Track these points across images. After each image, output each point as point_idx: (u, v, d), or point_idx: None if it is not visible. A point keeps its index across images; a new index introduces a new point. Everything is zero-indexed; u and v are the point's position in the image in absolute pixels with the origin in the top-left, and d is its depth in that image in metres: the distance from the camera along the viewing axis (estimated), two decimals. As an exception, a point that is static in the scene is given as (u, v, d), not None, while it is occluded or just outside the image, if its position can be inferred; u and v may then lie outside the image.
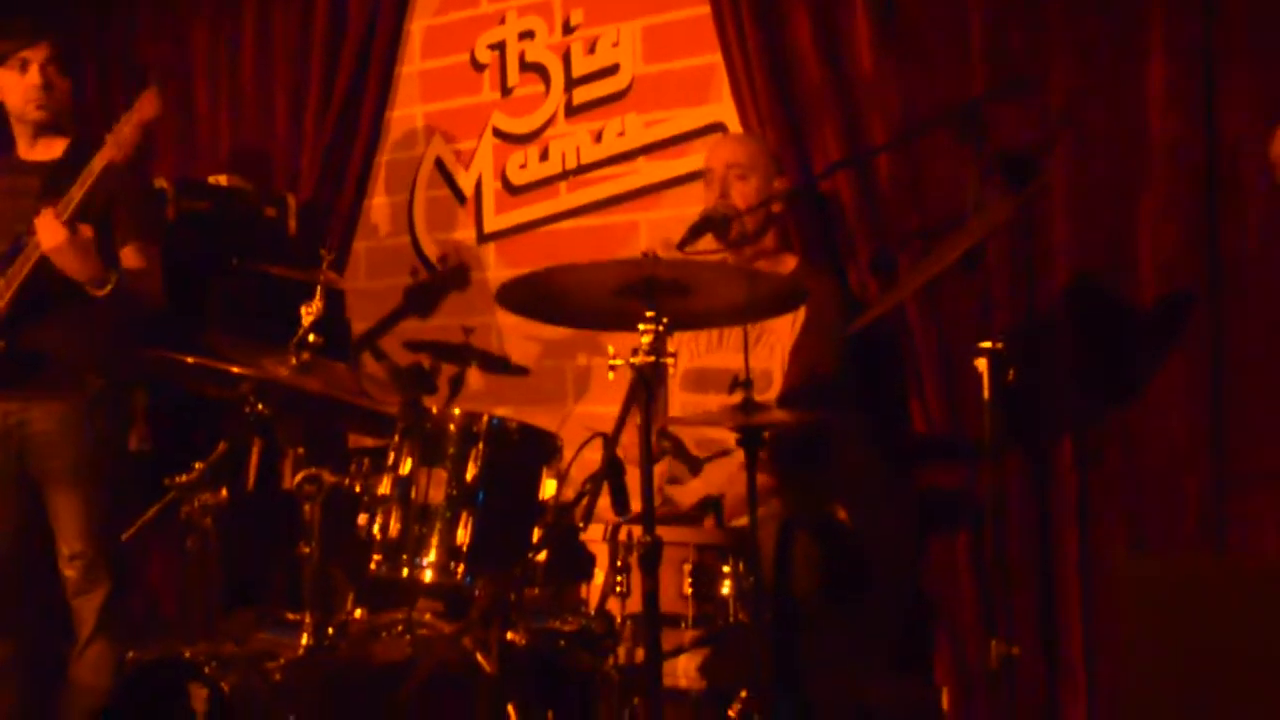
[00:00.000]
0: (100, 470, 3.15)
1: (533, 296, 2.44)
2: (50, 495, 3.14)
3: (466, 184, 4.05)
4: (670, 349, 2.21)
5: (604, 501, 2.24)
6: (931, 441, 3.11)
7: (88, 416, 3.14)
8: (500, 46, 3.97)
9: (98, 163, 2.96)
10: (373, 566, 2.48)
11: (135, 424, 3.41)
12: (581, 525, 2.21)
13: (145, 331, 3.17)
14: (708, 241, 2.92)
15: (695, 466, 3.01)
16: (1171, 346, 2.86)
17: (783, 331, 2.94)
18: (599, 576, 2.38)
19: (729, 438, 2.63)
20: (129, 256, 3.12)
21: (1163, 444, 2.86)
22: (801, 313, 2.90)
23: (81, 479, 3.12)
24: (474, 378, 3.84)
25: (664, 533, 2.16)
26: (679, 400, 3.07)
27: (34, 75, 3.14)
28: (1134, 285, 2.90)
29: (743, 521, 2.54)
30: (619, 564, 2.35)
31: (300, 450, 2.74)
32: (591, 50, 3.79)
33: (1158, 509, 2.87)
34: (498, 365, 3.50)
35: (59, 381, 3.12)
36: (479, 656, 2.38)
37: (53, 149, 3.23)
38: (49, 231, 2.94)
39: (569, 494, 2.40)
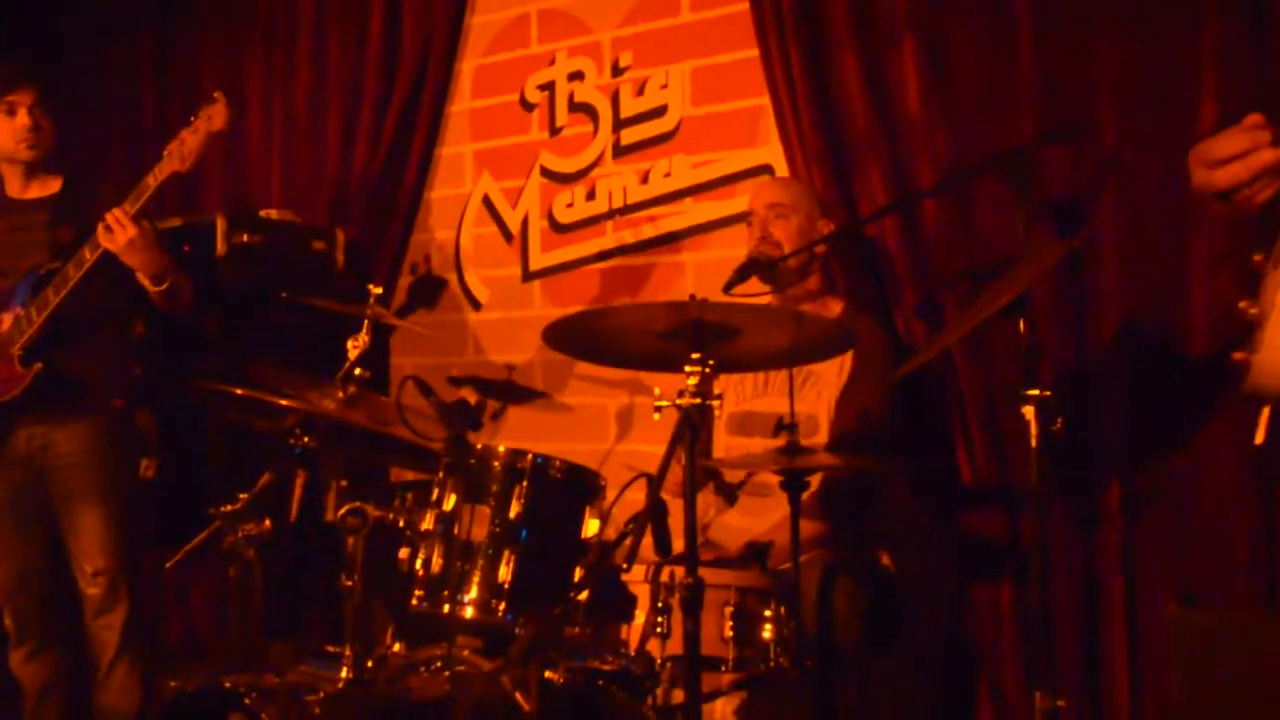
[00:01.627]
0: (122, 488, 3.23)
1: (578, 336, 2.45)
2: (73, 513, 3.20)
3: (513, 222, 4.08)
4: (715, 391, 2.21)
5: (646, 541, 2.24)
6: (976, 488, 3.08)
7: (111, 436, 3.21)
8: (550, 87, 4.01)
9: (154, 177, 3.04)
10: (414, 602, 2.48)
11: (147, 452, 3.46)
12: (624, 566, 2.20)
13: (186, 360, 3.24)
14: (752, 284, 2.92)
15: (731, 497, 3.01)
16: (1222, 395, 2.81)
17: (829, 376, 2.93)
18: (640, 617, 2.38)
19: (774, 481, 2.62)
20: None
21: (1212, 495, 2.82)
22: (848, 358, 2.89)
23: (105, 496, 3.19)
24: (517, 414, 3.86)
25: (706, 575, 2.15)
26: (724, 444, 3.07)
27: (23, 117, 3.26)
28: (1185, 333, 2.87)
29: (787, 566, 2.52)
30: (660, 605, 2.35)
31: (343, 483, 2.75)
32: (640, 92, 3.82)
33: (1207, 561, 2.82)
34: (541, 402, 3.51)
35: (84, 403, 3.20)
36: (517, 695, 2.37)
37: (48, 186, 3.35)
38: (118, 231, 3.03)
39: (611, 533, 2.40)
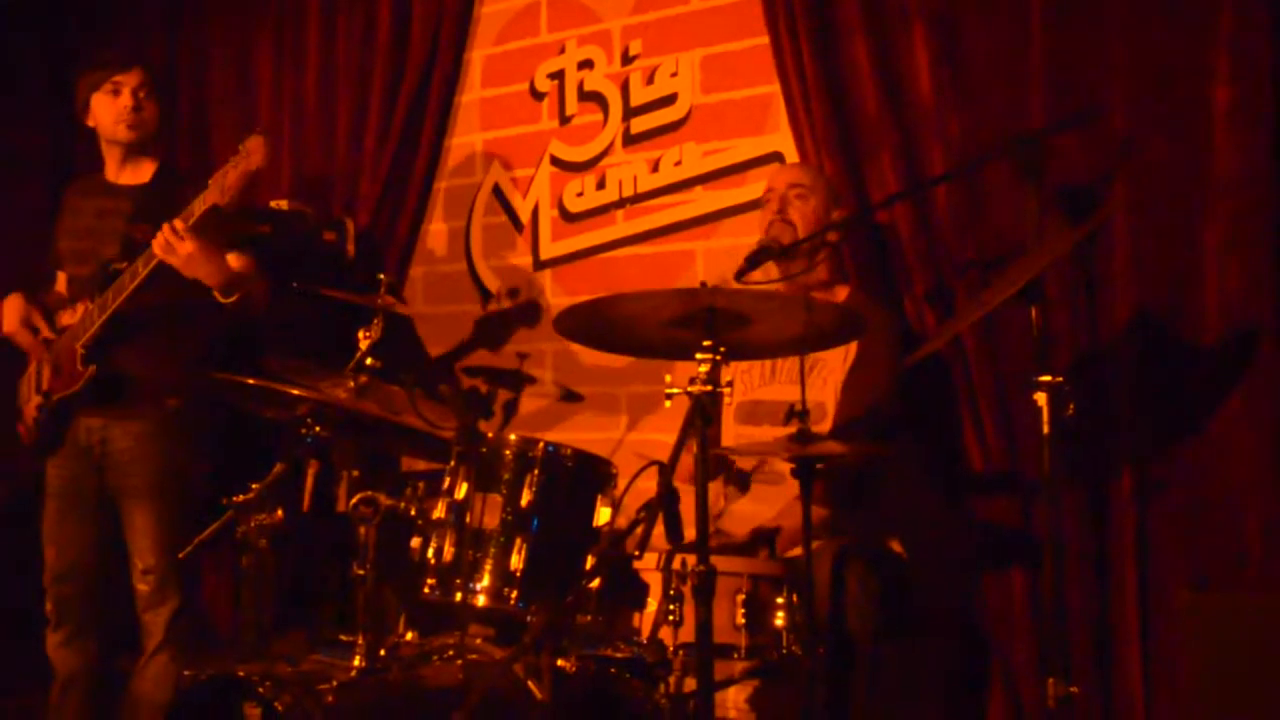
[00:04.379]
0: (175, 488, 3.23)
1: (590, 324, 2.45)
2: (127, 511, 3.22)
3: (524, 211, 4.08)
4: (725, 379, 2.20)
5: (658, 530, 2.24)
6: (988, 475, 3.08)
7: (165, 436, 3.22)
8: (559, 75, 4.00)
9: (199, 205, 3.04)
10: (426, 590, 2.49)
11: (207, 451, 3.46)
12: (636, 553, 2.20)
13: (217, 355, 3.25)
14: (764, 271, 2.92)
15: (744, 484, 3.00)
16: (1235, 382, 2.81)
17: (834, 362, 2.93)
18: (652, 605, 2.38)
19: (785, 468, 2.61)
20: (234, 261, 3.19)
21: (1225, 481, 2.81)
22: (853, 344, 2.89)
23: (157, 496, 3.20)
24: (528, 403, 3.87)
25: (718, 562, 2.15)
26: (733, 433, 3.06)
27: (126, 98, 3.29)
28: (1197, 318, 2.86)
29: (797, 552, 2.52)
30: (672, 592, 2.35)
31: (355, 473, 2.76)
32: (650, 80, 3.81)
33: (1219, 548, 2.81)
34: (552, 391, 3.51)
35: (140, 401, 3.22)
36: (530, 683, 2.38)
37: (140, 173, 3.36)
38: (178, 246, 3.02)
39: (623, 521, 2.40)
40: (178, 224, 3.03)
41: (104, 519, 3.25)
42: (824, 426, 2.89)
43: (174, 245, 3.02)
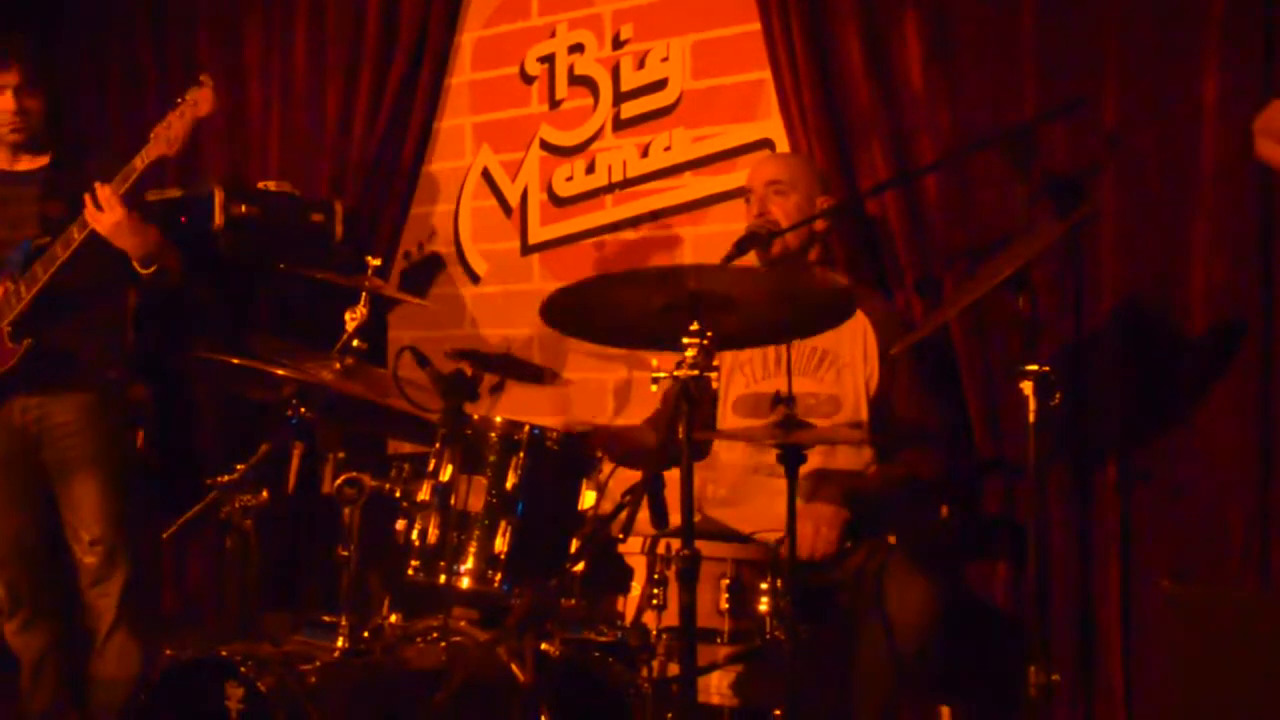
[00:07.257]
0: (117, 457, 3.23)
1: (573, 309, 2.41)
2: (68, 484, 3.20)
3: (512, 195, 4.07)
4: (714, 363, 2.19)
5: (642, 514, 2.24)
6: (973, 463, 3.08)
7: (106, 406, 3.21)
8: (550, 59, 3.99)
9: (141, 160, 3.02)
10: (410, 572, 2.49)
11: (138, 424, 3.46)
12: (621, 537, 2.20)
13: (183, 331, 3.24)
14: (751, 260, 2.91)
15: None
16: (1220, 374, 2.82)
17: (849, 357, 2.91)
18: (636, 589, 2.38)
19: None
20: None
21: (1208, 473, 2.82)
22: (871, 341, 2.89)
23: (101, 465, 3.19)
24: (514, 388, 3.86)
25: (702, 547, 2.15)
26: (732, 425, 3.03)
27: (7, 101, 3.22)
28: (1184, 310, 2.87)
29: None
30: (656, 577, 2.35)
31: (340, 454, 2.75)
32: (641, 65, 3.80)
33: (1201, 539, 2.83)
34: (538, 376, 3.50)
35: (79, 376, 3.19)
36: (513, 666, 2.38)
37: (38, 160, 3.32)
38: (108, 211, 3.01)
39: (607, 506, 2.40)
40: (107, 190, 3.01)
41: (43, 497, 3.23)
42: (840, 418, 2.89)
43: (105, 211, 3.01)
